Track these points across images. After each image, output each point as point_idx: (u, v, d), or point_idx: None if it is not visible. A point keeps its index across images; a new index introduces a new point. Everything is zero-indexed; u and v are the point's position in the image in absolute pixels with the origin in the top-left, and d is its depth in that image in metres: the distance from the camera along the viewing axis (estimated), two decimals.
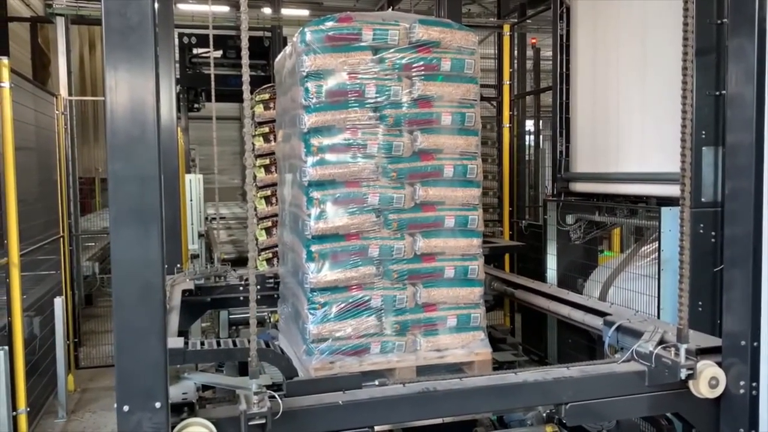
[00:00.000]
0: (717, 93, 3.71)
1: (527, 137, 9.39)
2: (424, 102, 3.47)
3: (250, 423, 2.40)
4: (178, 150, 5.86)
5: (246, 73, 2.42)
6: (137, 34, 2.12)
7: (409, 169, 3.42)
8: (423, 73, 3.45)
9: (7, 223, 4.75)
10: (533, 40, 9.98)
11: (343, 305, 3.31)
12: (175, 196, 5.80)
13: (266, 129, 5.69)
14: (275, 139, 5.03)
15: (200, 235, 8.47)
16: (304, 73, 3.33)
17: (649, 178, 4.30)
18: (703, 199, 3.78)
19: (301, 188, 3.45)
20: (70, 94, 7.93)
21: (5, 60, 4.65)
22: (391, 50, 3.40)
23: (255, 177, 5.61)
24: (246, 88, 2.44)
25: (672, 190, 3.98)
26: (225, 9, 15.83)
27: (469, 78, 3.58)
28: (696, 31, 3.10)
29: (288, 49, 3.86)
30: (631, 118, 4.51)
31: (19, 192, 4.95)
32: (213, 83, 6.24)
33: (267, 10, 12.52)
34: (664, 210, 4.00)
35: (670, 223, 3.92)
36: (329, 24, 3.34)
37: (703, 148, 3.74)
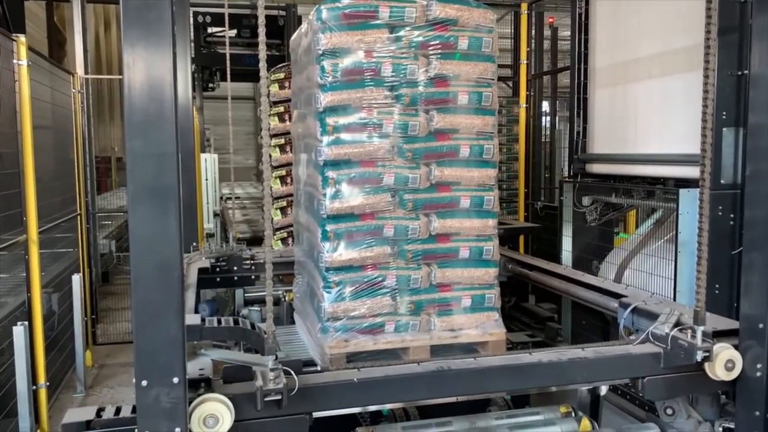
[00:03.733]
0: (739, 73, 3.65)
1: (543, 118, 9.31)
2: (441, 81, 3.44)
3: (266, 399, 2.43)
4: (193, 129, 5.87)
5: (263, 52, 2.41)
6: (155, 12, 2.11)
7: (425, 149, 3.40)
8: (440, 51, 3.42)
9: (26, 201, 4.80)
10: (551, 20, 9.84)
11: (357, 284, 3.32)
12: (190, 175, 5.81)
13: (281, 108, 5.67)
14: (290, 118, 5.01)
15: (215, 215, 8.52)
16: (320, 52, 3.31)
17: (667, 160, 4.26)
18: (722, 181, 3.74)
19: (316, 168, 3.44)
20: (86, 73, 7.95)
21: (23, 38, 4.66)
22: (408, 28, 3.37)
23: (270, 157, 5.61)
24: (263, 66, 2.43)
25: (690, 172, 3.95)
26: None
27: (487, 56, 3.53)
28: (719, 9, 3.04)
29: (303, 27, 3.83)
30: (651, 98, 4.45)
31: (36, 170, 5.00)
32: (228, 62, 6.23)
33: None
34: (683, 192, 3.96)
35: (689, 204, 3.89)
36: (346, 1, 3.31)
37: (724, 129, 3.69)
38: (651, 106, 4.46)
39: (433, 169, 3.42)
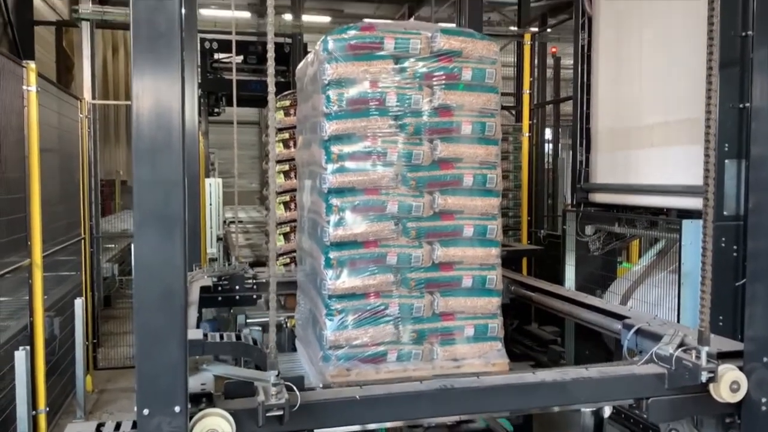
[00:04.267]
0: (741, 106, 3.68)
1: (546, 145, 9.35)
2: (445, 111, 3.47)
3: (267, 414, 2.43)
4: (198, 154, 5.92)
5: (272, 85, 2.44)
6: (165, 41, 2.14)
7: (429, 178, 3.42)
8: (444, 82, 3.45)
9: (31, 226, 4.82)
10: (553, 49, 9.95)
11: (360, 312, 3.32)
12: (195, 199, 5.86)
13: (286, 135, 5.73)
14: (295, 145, 5.06)
15: (218, 239, 8.54)
16: (326, 81, 3.35)
17: (670, 191, 4.27)
18: (725, 213, 3.74)
19: (320, 195, 3.46)
20: (93, 98, 8.04)
21: (32, 64, 4.72)
22: (413, 59, 3.41)
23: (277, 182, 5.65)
24: (271, 98, 2.47)
25: (693, 203, 3.96)
26: (247, 15, 16.00)
27: (490, 87, 3.57)
28: (720, 43, 3.08)
29: (310, 57, 3.88)
30: (653, 129, 4.48)
31: (42, 193, 5.03)
32: (234, 88, 6.31)
33: (288, 17, 12.61)
34: (686, 223, 3.96)
35: (692, 236, 3.89)
36: (352, 33, 3.36)
37: (726, 161, 3.71)
38: (653, 137, 4.49)
39: (436, 198, 3.44)
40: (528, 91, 7.93)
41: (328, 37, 3.38)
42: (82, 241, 7.29)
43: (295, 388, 2.53)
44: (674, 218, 4.27)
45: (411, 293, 3.40)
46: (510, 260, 5.95)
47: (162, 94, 2.16)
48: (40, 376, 5.03)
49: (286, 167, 5.71)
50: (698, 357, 2.86)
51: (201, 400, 2.51)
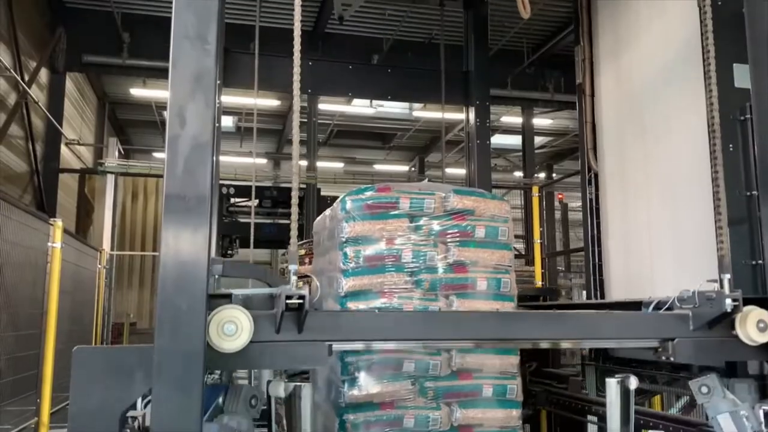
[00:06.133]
0: (753, 263, 3.71)
1: None
2: (460, 267, 3.52)
3: (288, 301, 2.32)
4: None
5: (294, 232, 2.51)
6: (195, 213, 2.23)
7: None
8: (458, 239, 3.54)
9: (42, 385, 4.68)
10: (560, 196, 10.24)
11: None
12: None
13: (300, 283, 5.77)
14: (309, 292, 5.08)
15: None
16: (344, 239, 3.44)
17: None
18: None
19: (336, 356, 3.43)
20: (112, 249, 8.23)
21: (59, 222, 4.85)
22: (427, 217, 3.52)
23: None
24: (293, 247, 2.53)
25: None
26: (263, 161, 16.70)
27: (503, 244, 3.65)
28: (727, 202, 3.16)
29: (328, 212, 4.02)
30: (665, 285, 4.49)
31: (57, 342, 4.98)
32: (252, 233, 6.52)
33: (303, 163, 13.18)
34: None
35: None
36: (369, 194, 3.50)
37: None
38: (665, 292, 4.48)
39: (453, 356, 3.40)
40: (539, 241, 8.06)
41: (346, 198, 3.52)
42: None
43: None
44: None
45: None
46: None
47: (187, 261, 2.21)
48: None
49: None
50: (721, 286, 2.74)
51: (220, 301, 2.41)
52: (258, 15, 6.63)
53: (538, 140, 14.80)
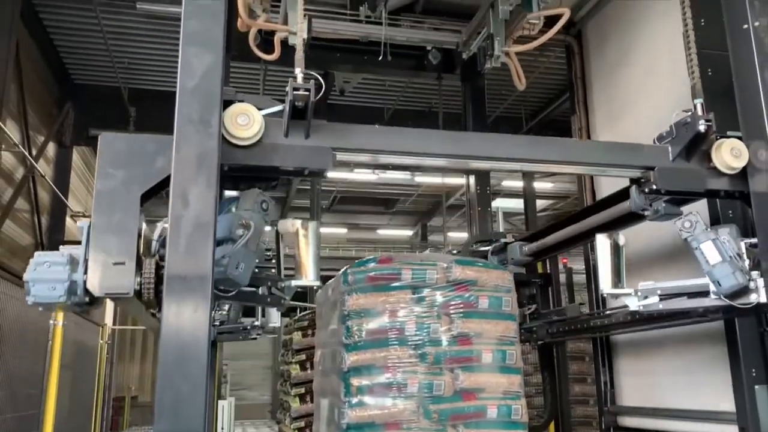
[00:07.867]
0: (761, 330, 3.66)
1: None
2: (464, 339, 3.48)
3: (296, 93, 2.54)
4: (215, 375, 5.85)
5: None
6: (193, 296, 2.23)
7: (451, 410, 3.33)
8: (462, 310, 3.51)
9: None
10: (564, 260, 10.20)
11: None
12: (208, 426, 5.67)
13: (303, 356, 5.70)
14: (312, 367, 5.02)
15: None
16: (346, 312, 3.42)
17: (700, 417, 4.10)
18: None
19: (338, 430, 3.35)
20: (114, 324, 8.17)
21: None
22: (430, 288, 3.50)
23: (290, 407, 5.50)
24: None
25: (728, 430, 3.78)
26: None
27: (508, 315, 3.62)
28: None
29: (331, 283, 4.00)
30: (678, 352, 4.42)
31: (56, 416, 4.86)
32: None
33: None
34: None
35: None
36: (371, 265, 3.50)
37: (756, 386, 3.60)
38: (677, 361, 4.41)
39: (460, 430, 3.32)
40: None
41: (348, 270, 3.51)
42: None
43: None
44: None
45: None
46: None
47: (188, 343, 2.19)
48: None
49: (302, 390, 5.62)
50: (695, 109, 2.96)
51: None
52: (262, 90, 6.79)
53: (540, 203, 14.85)
